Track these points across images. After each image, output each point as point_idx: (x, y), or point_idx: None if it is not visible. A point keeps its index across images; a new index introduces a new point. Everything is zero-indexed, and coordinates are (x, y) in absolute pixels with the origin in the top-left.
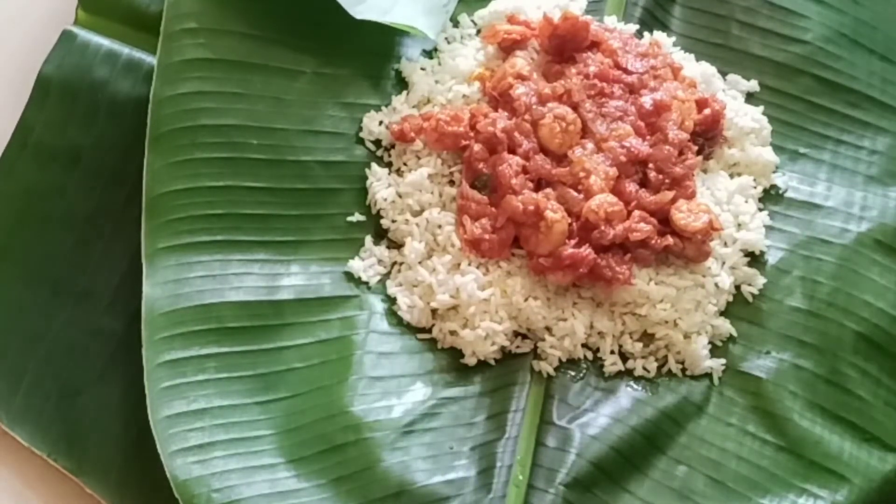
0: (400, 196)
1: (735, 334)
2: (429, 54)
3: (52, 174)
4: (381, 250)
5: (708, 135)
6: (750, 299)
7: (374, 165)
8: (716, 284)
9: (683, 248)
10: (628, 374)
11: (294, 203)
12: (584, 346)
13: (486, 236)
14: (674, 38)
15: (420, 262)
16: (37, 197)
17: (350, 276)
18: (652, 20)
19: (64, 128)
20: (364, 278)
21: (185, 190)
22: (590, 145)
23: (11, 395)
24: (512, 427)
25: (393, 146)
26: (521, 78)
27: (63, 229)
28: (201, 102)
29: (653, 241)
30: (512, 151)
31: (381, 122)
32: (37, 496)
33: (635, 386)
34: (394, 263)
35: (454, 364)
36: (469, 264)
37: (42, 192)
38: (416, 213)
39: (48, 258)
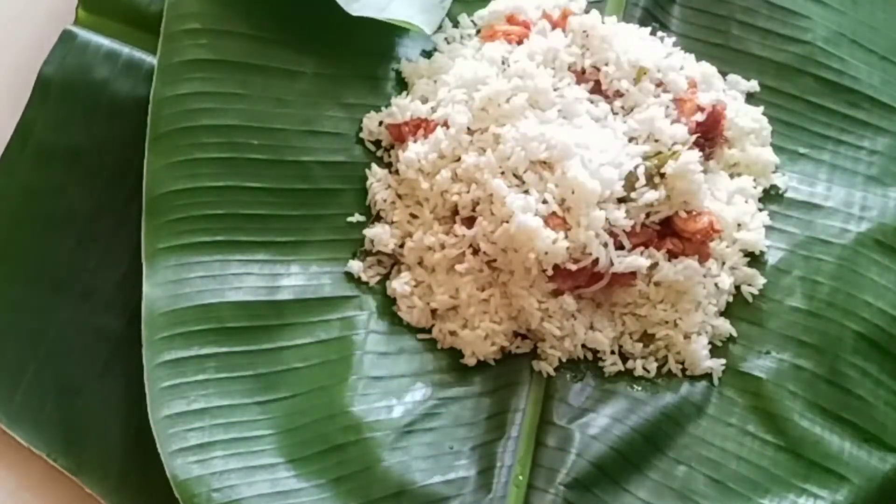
0: (399, 197)
1: (735, 334)
2: (428, 54)
3: (53, 173)
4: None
5: (708, 135)
6: (750, 299)
7: (374, 166)
8: (716, 284)
9: (683, 250)
10: (628, 374)
11: (294, 203)
12: (584, 346)
13: None
14: (674, 39)
15: (420, 263)
16: (37, 196)
17: (350, 276)
18: (652, 20)
19: (64, 127)
20: (364, 278)
21: (185, 190)
22: None
23: (10, 395)
24: (512, 427)
25: (393, 146)
26: None
27: (63, 229)
28: (202, 103)
29: (653, 244)
30: None
31: (381, 123)
32: (36, 496)
33: (635, 386)
34: (394, 263)
35: (454, 364)
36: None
37: (42, 192)
38: (416, 214)
39: (48, 257)
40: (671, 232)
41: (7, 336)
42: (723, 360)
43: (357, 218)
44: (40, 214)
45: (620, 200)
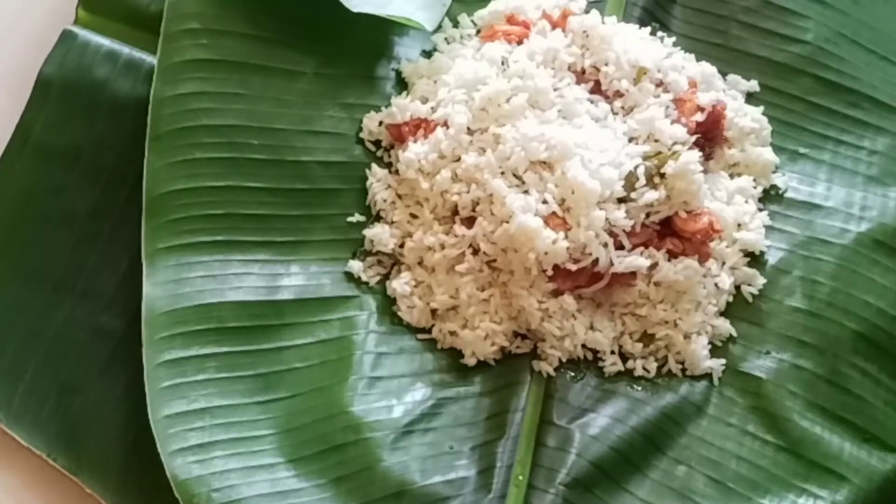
0: (399, 197)
1: (735, 334)
2: (428, 54)
3: (52, 173)
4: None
5: (708, 135)
6: (750, 299)
7: (374, 166)
8: (716, 284)
9: (683, 250)
10: (628, 374)
11: (294, 203)
12: (584, 346)
13: None
14: (674, 39)
15: (420, 263)
16: (37, 196)
17: (350, 276)
18: (652, 20)
19: (64, 127)
20: (364, 278)
21: (185, 190)
22: None
23: (10, 395)
24: (512, 427)
25: (393, 146)
26: None
27: (63, 228)
28: (201, 102)
29: (653, 244)
30: None
31: (381, 123)
32: (35, 496)
33: (635, 386)
34: (394, 263)
35: (454, 364)
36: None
37: (42, 192)
38: (416, 214)
39: (48, 257)
40: (671, 232)
41: (6, 335)
42: (723, 360)
43: (357, 218)
44: (40, 214)
45: (620, 200)
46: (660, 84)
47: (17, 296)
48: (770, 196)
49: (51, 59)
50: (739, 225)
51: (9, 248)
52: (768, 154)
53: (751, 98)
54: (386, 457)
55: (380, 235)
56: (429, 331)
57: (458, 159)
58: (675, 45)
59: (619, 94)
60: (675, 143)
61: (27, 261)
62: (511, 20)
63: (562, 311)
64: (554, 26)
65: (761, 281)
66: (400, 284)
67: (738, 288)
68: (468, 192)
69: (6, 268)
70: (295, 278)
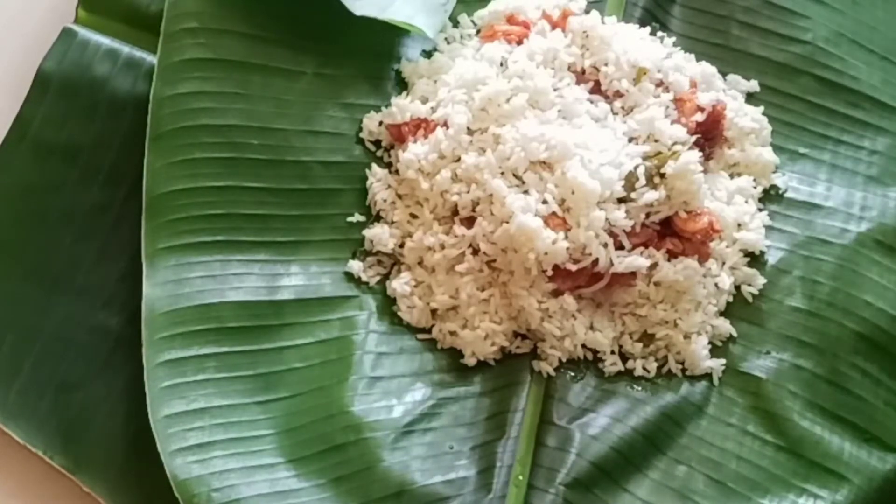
0: (399, 197)
1: (735, 334)
2: (428, 54)
3: (50, 170)
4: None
5: (708, 135)
6: (750, 299)
7: (374, 166)
8: (716, 284)
9: (683, 250)
10: (628, 374)
11: (294, 203)
12: (584, 346)
13: None
14: (674, 38)
15: (420, 263)
16: (34, 192)
17: (350, 276)
18: (652, 20)
19: (62, 124)
20: (364, 278)
21: (185, 190)
22: None
23: (7, 392)
24: (512, 427)
25: (393, 146)
26: None
27: (61, 225)
28: (201, 102)
29: (653, 244)
30: None
31: (381, 123)
32: (33, 495)
33: (635, 386)
34: (394, 263)
35: (454, 364)
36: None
37: (40, 188)
38: (416, 214)
39: (45, 254)
40: (671, 232)
41: (3, 332)
42: (723, 360)
43: (357, 218)
44: (37, 210)
45: (620, 200)
46: (660, 84)
47: (15, 292)
48: (770, 196)
49: (50, 56)
50: (739, 225)
51: (6, 244)
52: (768, 154)
53: (751, 98)
54: (386, 457)
55: (380, 235)
56: (429, 331)
57: (458, 159)
58: (675, 45)
59: (619, 94)
60: (675, 143)
61: (25, 257)
62: (511, 20)
63: (562, 311)
64: (554, 26)
65: (761, 281)
66: (400, 284)
67: (738, 288)
68: (468, 192)
69: (4, 264)
70: (295, 278)
